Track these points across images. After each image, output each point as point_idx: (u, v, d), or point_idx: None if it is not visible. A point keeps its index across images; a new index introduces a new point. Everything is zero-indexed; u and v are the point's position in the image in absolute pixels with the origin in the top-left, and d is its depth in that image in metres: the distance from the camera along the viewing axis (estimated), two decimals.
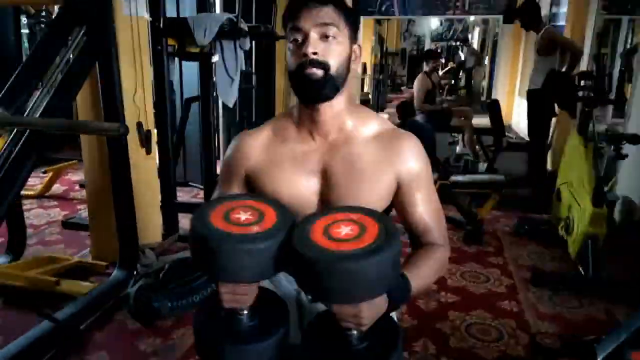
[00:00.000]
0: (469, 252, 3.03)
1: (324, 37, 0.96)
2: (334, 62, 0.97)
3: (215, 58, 2.93)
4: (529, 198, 4.05)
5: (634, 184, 3.31)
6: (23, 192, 4.12)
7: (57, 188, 4.34)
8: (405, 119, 3.83)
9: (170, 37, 2.94)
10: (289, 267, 0.84)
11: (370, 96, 9.81)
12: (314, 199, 1.04)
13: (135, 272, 2.50)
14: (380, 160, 1.02)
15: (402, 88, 16.49)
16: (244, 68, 3.14)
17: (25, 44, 5.54)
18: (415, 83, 5.32)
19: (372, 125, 1.06)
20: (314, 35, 0.96)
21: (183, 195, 4.23)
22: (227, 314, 0.93)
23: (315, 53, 0.95)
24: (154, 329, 2.12)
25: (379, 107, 9.83)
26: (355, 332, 0.84)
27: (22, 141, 1.80)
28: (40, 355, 1.86)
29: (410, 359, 1.93)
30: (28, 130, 1.80)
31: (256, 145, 1.08)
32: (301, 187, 1.03)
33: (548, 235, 3.16)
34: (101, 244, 2.77)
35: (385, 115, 10.14)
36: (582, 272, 2.60)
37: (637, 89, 3.42)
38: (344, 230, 0.80)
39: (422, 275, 1.00)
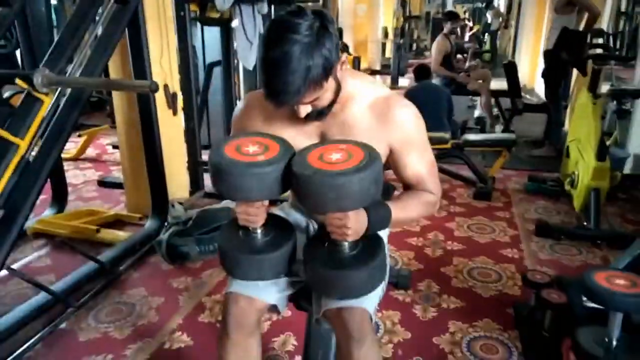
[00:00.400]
0: (477, 207, 3.17)
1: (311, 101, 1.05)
2: (325, 102, 1.08)
3: (235, 23, 3.08)
4: (543, 157, 4.15)
5: None
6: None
7: (90, 151, 4.63)
8: (420, 81, 3.92)
9: (192, 2, 3.09)
10: (291, 187, 1.03)
11: (391, 61, 9.77)
12: None
13: (166, 223, 2.75)
14: (374, 128, 1.13)
15: (426, 53, 16.27)
16: (262, 31, 3.28)
17: (53, 16, 5.78)
18: (434, 45, 5.36)
19: (368, 94, 1.16)
20: (302, 106, 1.06)
21: (207, 157, 4.46)
22: (244, 232, 1.14)
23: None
24: (185, 270, 2.37)
25: (399, 72, 9.81)
26: (345, 243, 1.04)
27: (65, 100, 2.02)
28: (87, 290, 2.12)
29: (414, 295, 2.12)
30: (70, 91, 2.02)
31: (260, 105, 1.17)
32: (300, 147, 1.11)
33: (556, 190, 3.28)
34: (135, 199, 3.03)
35: (406, 81, 10.12)
36: (585, 224, 2.73)
37: None
38: (335, 156, 0.99)
39: (404, 208, 1.16)
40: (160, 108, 2.83)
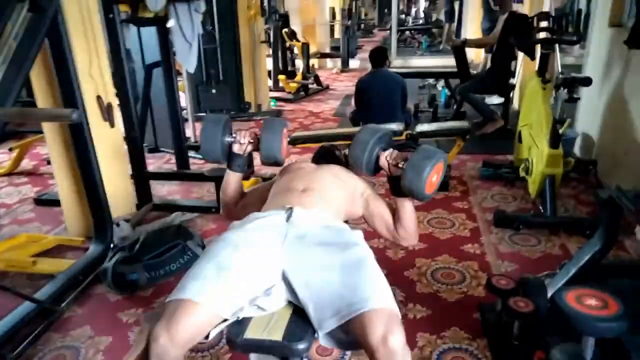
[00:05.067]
0: (435, 199, 3.14)
1: None
2: None
3: (171, 23, 2.86)
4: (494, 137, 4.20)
5: (590, 120, 3.43)
6: None
7: (26, 163, 4.29)
8: (376, 68, 3.84)
9: (121, 3, 2.84)
10: None
11: (340, 43, 9.62)
12: None
13: (112, 245, 2.56)
14: None
15: (374, 31, 16.18)
16: (201, 31, 3.07)
17: None
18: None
19: None
20: None
21: (155, 161, 4.23)
22: None
23: None
24: (135, 299, 2.20)
25: (349, 54, 9.68)
26: None
27: None
28: (25, 336, 1.93)
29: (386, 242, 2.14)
30: None
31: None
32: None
33: (510, 176, 3.29)
34: (75, 220, 2.80)
35: (356, 62, 10.02)
36: (541, 211, 2.75)
37: (593, 28, 3.46)
38: None
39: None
40: (95, 120, 2.62)
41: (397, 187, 1.51)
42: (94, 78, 2.59)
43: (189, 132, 4.02)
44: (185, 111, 4.05)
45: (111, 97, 2.74)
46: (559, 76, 2.76)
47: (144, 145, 4.38)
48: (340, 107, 6.20)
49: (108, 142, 2.77)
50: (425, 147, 1.51)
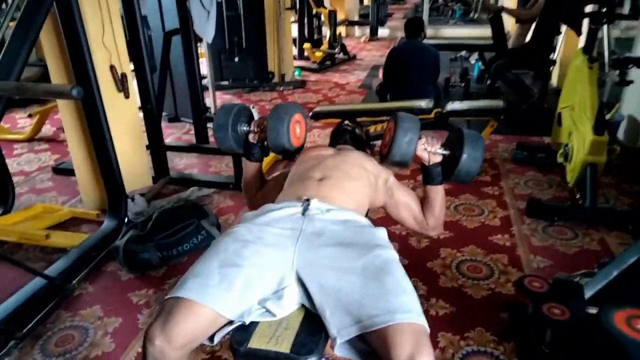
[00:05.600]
0: None
1: None
2: None
3: None
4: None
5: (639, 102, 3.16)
6: (12, 137, 4.06)
7: (47, 129, 4.26)
8: (410, 39, 3.63)
9: None
10: None
11: (369, 10, 9.24)
12: None
13: (126, 220, 2.49)
14: None
15: None
16: None
17: None
18: None
19: None
20: None
21: (175, 131, 4.14)
22: None
23: None
24: (146, 280, 2.13)
25: (378, 22, 9.31)
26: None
27: None
28: (35, 313, 1.88)
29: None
30: None
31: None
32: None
33: (547, 161, 3.08)
34: (90, 191, 2.74)
35: (386, 31, 9.64)
36: (580, 202, 2.55)
37: None
38: None
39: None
40: (108, 92, 2.52)
41: (433, 175, 1.52)
42: (107, 47, 2.46)
43: (209, 102, 3.89)
44: (206, 79, 3.90)
45: (126, 66, 2.62)
46: (610, 55, 2.50)
47: (164, 114, 4.30)
48: (366, 78, 5.97)
49: (123, 114, 2.67)
50: (464, 130, 1.49)
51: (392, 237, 2.28)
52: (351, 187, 1.49)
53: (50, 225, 2.54)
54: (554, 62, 4.49)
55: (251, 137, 1.61)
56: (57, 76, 2.44)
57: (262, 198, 1.65)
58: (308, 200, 1.38)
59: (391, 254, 1.24)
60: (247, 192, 1.72)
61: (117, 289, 2.09)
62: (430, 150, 1.50)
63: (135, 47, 2.76)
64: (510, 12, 4.94)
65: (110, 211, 2.49)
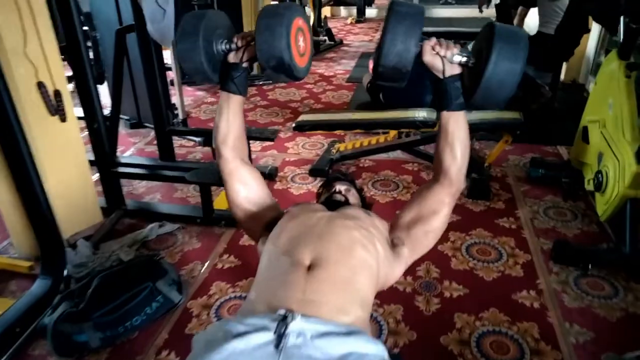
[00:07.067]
0: (475, 212, 2.52)
1: None
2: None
3: None
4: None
5: None
6: None
7: None
8: None
9: None
10: None
11: None
12: None
13: (64, 276, 2.01)
14: None
15: None
16: None
17: None
18: None
19: None
20: None
21: (138, 140, 3.62)
22: None
23: None
24: None
25: (365, 2, 8.71)
26: None
27: None
28: None
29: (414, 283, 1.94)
30: None
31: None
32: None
33: (568, 183, 2.64)
34: (22, 237, 2.22)
35: (373, 11, 9.04)
36: (611, 236, 2.14)
37: None
38: None
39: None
40: (36, 115, 2.00)
41: (450, 92, 1.17)
42: (32, 59, 1.93)
43: (176, 101, 3.35)
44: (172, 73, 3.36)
45: (60, 82, 2.09)
46: None
47: (126, 119, 3.77)
48: (355, 69, 5.44)
49: (59, 141, 2.15)
50: (496, 24, 1.12)
51: (396, 299, 1.87)
52: (354, 276, 1.08)
53: None
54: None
55: (232, 57, 1.24)
56: None
57: (245, 201, 1.35)
58: (286, 318, 0.93)
59: None
60: (218, 136, 1.30)
61: None
62: (445, 55, 1.15)
63: (73, 54, 2.22)
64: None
65: (43, 268, 2.00)
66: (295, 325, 0.91)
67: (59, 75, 2.09)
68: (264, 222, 1.35)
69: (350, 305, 1.02)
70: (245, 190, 1.34)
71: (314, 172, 2.90)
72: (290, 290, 1.00)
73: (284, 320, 0.92)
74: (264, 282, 1.09)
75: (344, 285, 1.03)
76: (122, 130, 3.71)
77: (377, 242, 1.17)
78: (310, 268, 1.04)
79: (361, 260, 1.08)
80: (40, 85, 1.99)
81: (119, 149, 3.29)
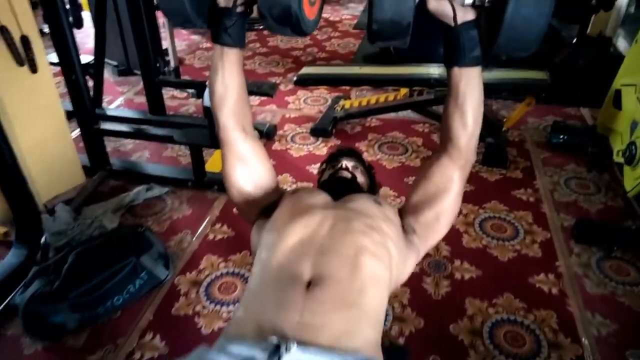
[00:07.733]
0: (489, 182, 2.33)
1: None
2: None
3: None
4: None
5: None
6: None
7: None
8: None
9: None
10: None
11: None
12: None
13: (41, 244, 1.84)
14: None
15: None
16: None
17: None
18: None
19: None
20: None
21: (127, 89, 3.36)
22: None
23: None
24: (59, 351, 1.53)
25: None
26: None
27: None
28: None
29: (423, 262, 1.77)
30: None
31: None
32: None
33: (594, 152, 2.43)
34: None
35: None
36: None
37: None
38: None
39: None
40: (3, 67, 1.76)
41: (463, 44, 0.96)
42: None
43: (167, 46, 3.07)
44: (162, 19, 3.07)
45: (30, 26, 1.83)
46: None
47: (114, 65, 3.49)
48: (363, 15, 5.06)
49: (31, 94, 1.92)
50: None
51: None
52: (362, 292, 0.89)
53: None
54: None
55: (222, 1, 1.02)
56: None
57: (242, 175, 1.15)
58: (279, 348, 0.75)
59: None
60: (213, 100, 1.10)
61: None
62: None
63: None
64: None
65: (17, 236, 1.84)
66: (290, 358, 0.74)
67: (28, 20, 1.83)
68: (261, 207, 1.15)
69: (357, 326, 0.84)
70: (244, 167, 1.13)
71: (315, 132, 2.68)
72: (285, 310, 0.82)
73: (276, 352, 0.74)
74: (254, 298, 0.91)
75: (349, 304, 0.85)
76: (110, 77, 3.45)
77: (390, 242, 0.98)
78: (310, 285, 0.86)
79: (370, 273, 0.90)
80: (3, 31, 1.73)
81: (106, 99, 3.05)
